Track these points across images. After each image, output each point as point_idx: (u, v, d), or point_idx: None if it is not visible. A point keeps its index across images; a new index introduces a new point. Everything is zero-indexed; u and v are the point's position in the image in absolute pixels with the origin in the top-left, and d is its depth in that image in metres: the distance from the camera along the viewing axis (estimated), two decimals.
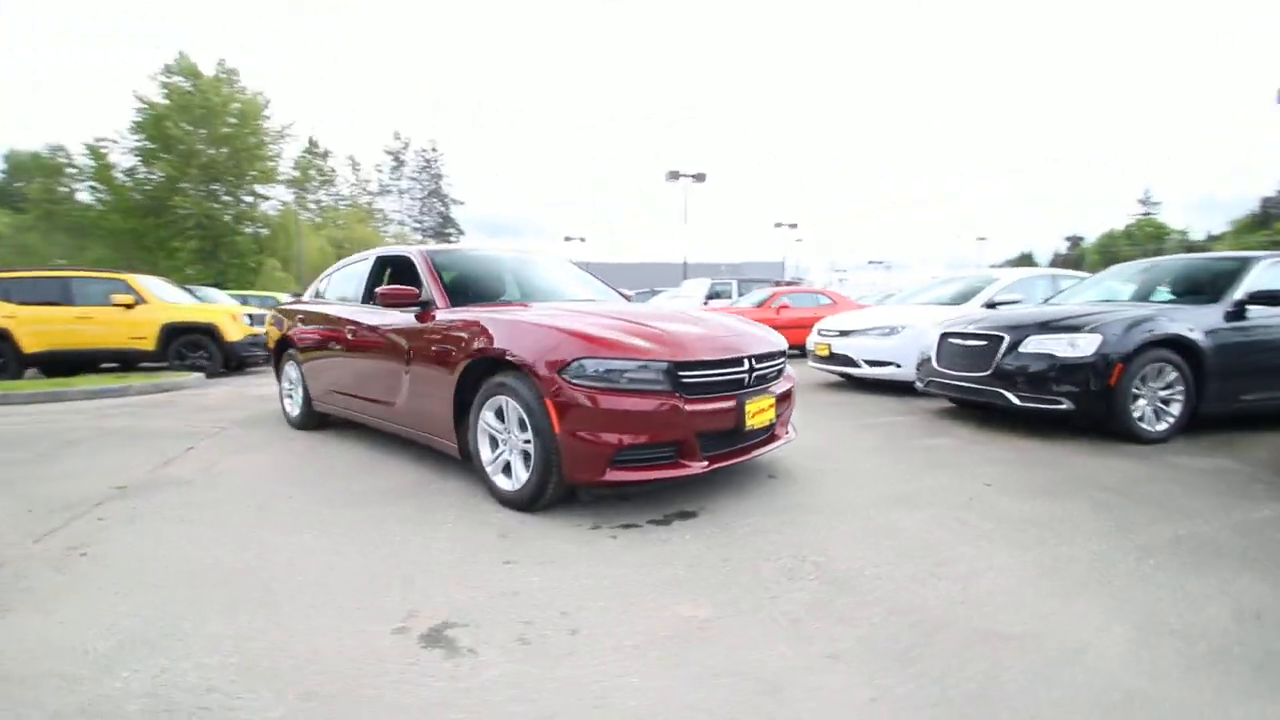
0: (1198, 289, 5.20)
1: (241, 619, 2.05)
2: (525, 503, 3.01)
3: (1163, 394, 4.48)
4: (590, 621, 2.02)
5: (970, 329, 5.14)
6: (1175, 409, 4.49)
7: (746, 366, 3.15)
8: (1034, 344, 4.65)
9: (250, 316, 9.70)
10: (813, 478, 3.62)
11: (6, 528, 2.94)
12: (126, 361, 9.13)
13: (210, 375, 9.03)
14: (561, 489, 2.95)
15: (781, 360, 3.54)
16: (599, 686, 1.68)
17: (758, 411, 3.12)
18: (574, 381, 2.79)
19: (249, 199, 31.36)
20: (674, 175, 24.30)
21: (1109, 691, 1.65)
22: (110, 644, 1.91)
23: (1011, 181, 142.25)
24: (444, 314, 3.56)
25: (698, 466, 2.89)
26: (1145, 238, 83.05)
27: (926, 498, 3.25)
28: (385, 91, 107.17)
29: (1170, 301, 5.31)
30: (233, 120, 29.21)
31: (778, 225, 36.72)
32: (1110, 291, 5.88)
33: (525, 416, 2.94)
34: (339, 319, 4.47)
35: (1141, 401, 4.42)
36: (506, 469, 3.14)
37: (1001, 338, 4.82)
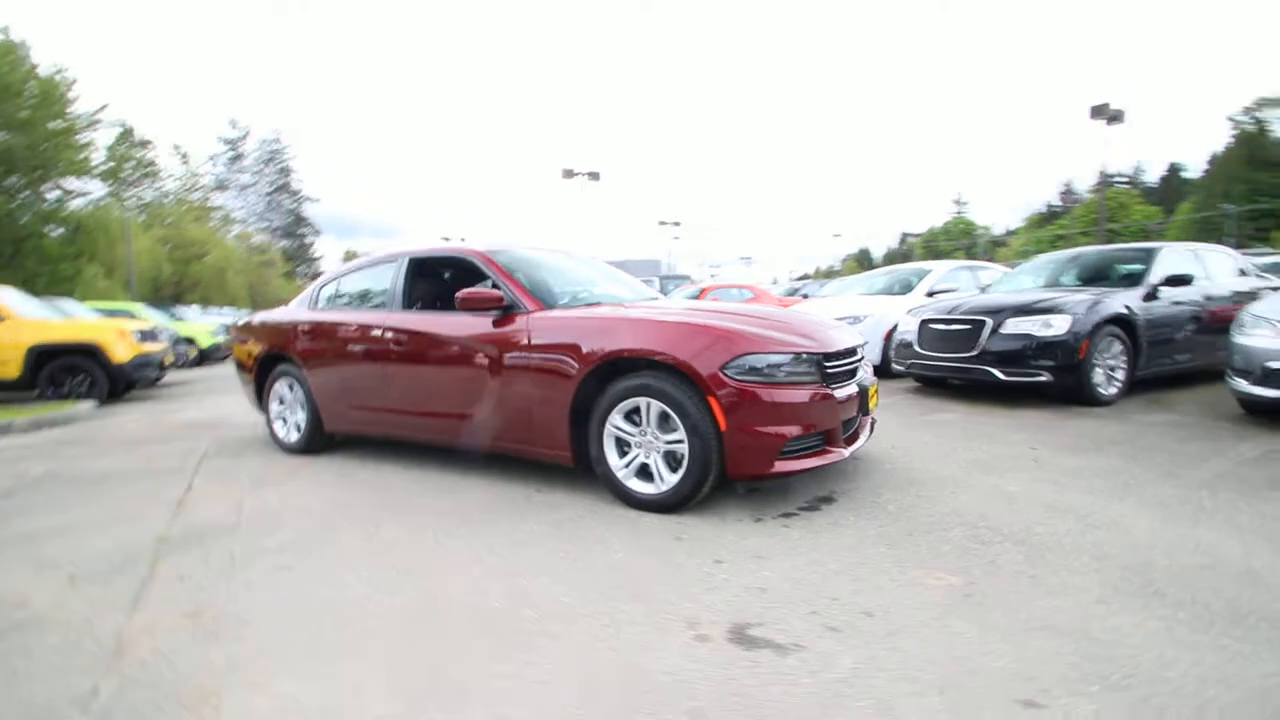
0: (1116, 276, 6.24)
1: (519, 655, 1.88)
2: (671, 505, 2.98)
3: (1111, 363, 5.35)
4: (869, 603, 2.10)
5: (952, 315, 5.76)
6: (1120, 375, 5.38)
7: (859, 355, 3.36)
8: (1013, 326, 5.34)
9: (141, 333, 8.31)
10: (885, 455, 3.92)
11: (68, 603, 2.39)
12: None
13: (102, 403, 7.64)
14: (714, 487, 2.96)
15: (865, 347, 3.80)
16: (944, 655, 1.78)
17: (873, 395, 3.34)
18: (739, 378, 2.82)
19: (54, 194, 26.46)
20: (569, 173, 24.12)
21: None
22: (402, 706, 1.67)
23: (857, 181, 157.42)
24: (542, 317, 3.39)
25: (843, 452, 3.05)
26: (959, 234, 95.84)
27: (1000, 464, 3.65)
28: (222, 75, 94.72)
29: (1083, 286, 6.32)
30: (29, 101, 24.45)
31: (661, 223, 37.84)
32: (1040, 277, 6.85)
33: (676, 416, 2.91)
34: (372, 327, 4.04)
35: (1098, 370, 5.25)
36: (640, 472, 3.09)
37: (984, 322, 5.47)
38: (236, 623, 2.15)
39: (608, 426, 3.13)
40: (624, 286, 4.41)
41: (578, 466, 3.31)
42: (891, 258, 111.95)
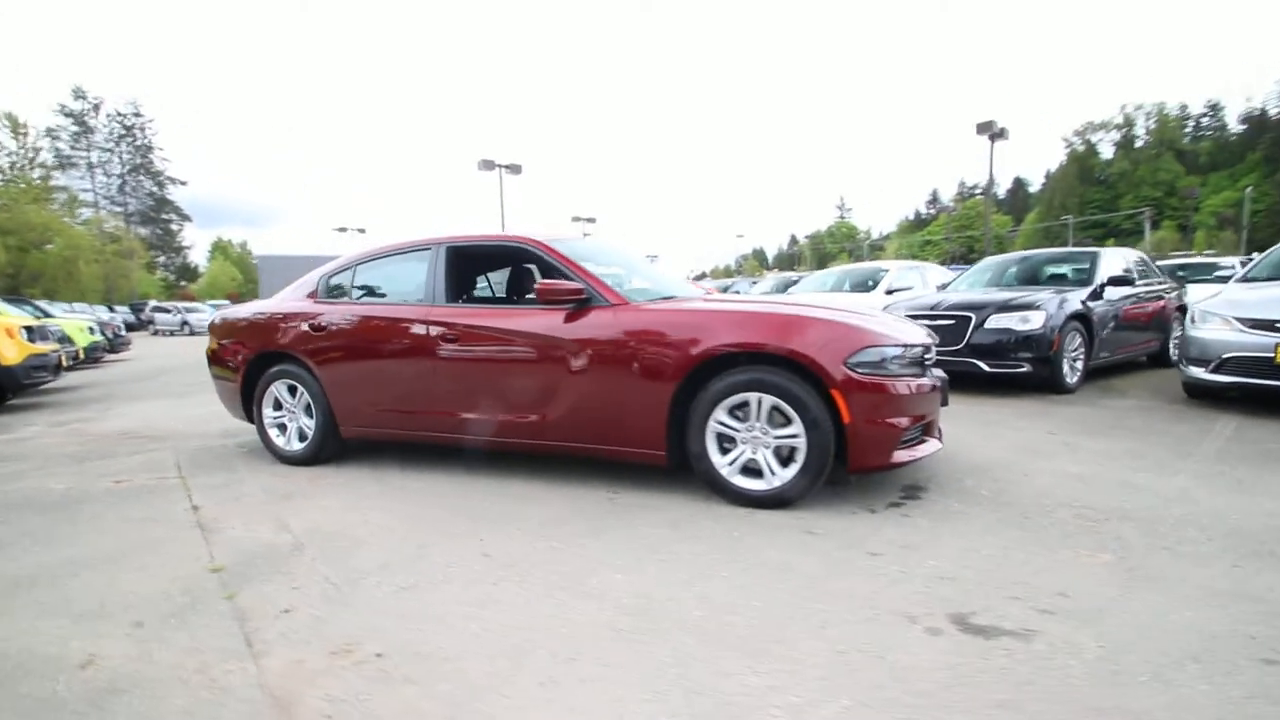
0: (1060, 277, 6.94)
1: (770, 668, 1.78)
2: (781, 500, 2.95)
3: (1074, 355, 5.94)
4: (1052, 584, 2.18)
5: (937, 312, 6.15)
6: (1079, 365, 5.99)
7: (934, 351, 3.49)
8: (996, 321, 5.79)
9: (29, 330, 7.04)
10: None
11: (156, 655, 1.97)
12: None
13: None
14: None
15: None
16: (1161, 627, 1.88)
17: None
18: (861, 371, 2.84)
19: None
20: (488, 164, 23.10)
21: None
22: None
23: (752, 183, 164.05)
24: (635, 311, 3.22)
25: (939, 443, 3.15)
26: (843, 237, 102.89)
27: (1039, 449, 3.94)
28: (70, 38, 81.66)
29: (1031, 285, 6.99)
30: None
31: (575, 219, 37.26)
32: (989, 278, 7.48)
33: (793, 410, 2.88)
34: (411, 322, 3.66)
35: (1066, 361, 5.82)
36: (745, 469, 3.03)
37: (969, 317, 5.89)
38: (413, 656, 1.87)
39: (710, 423, 3.04)
40: (669, 279, 4.30)
41: (670, 466, 3.19)
42: (781, 259, 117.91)
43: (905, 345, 2.98)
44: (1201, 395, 5.32)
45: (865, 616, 2.02)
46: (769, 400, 2.93)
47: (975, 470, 3.51)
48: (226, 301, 40.70)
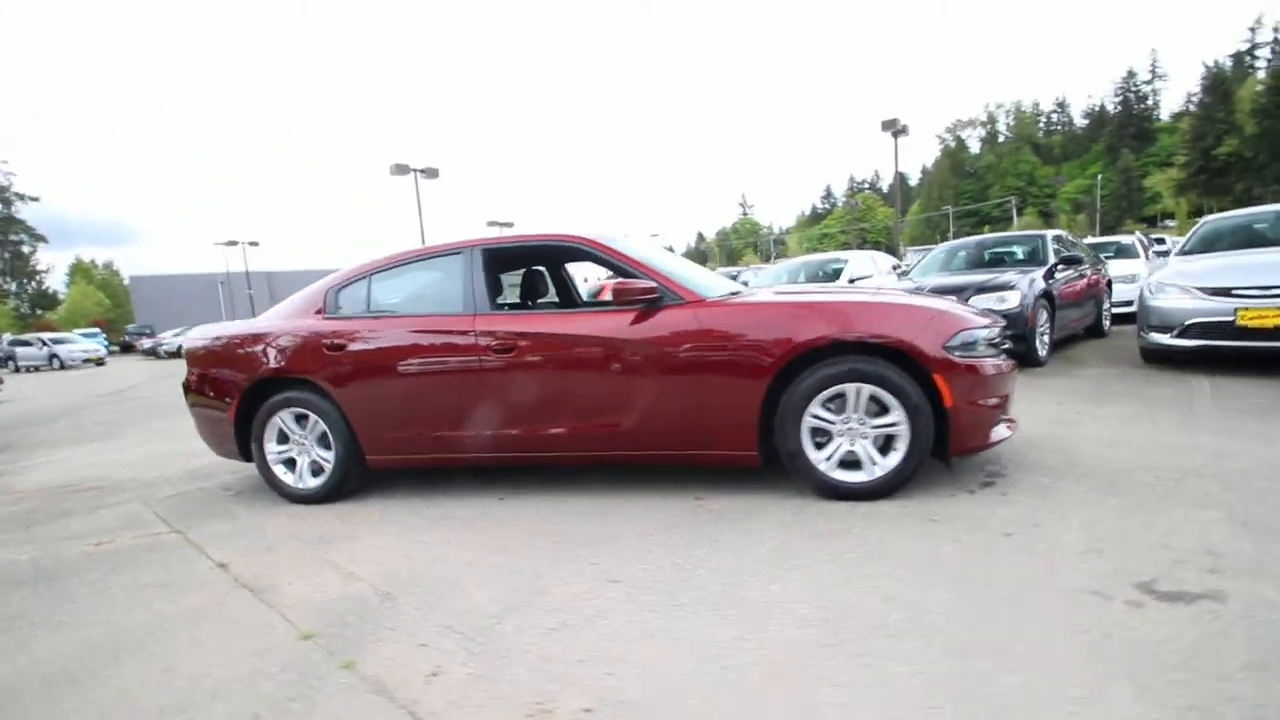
0: (1018, 258, 7.43)
1: (993, 663, 1.71)
2: (883, 491, 2.92)
3: (1042, 330, 6.37)
4: (1195, 544, 2.26)
5: (923, 295, 6.39)
6: (1047, 339, 6.43)
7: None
8: (976, 302, 6.08)
9: None
10: None
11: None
12: None
13: None
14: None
15: None
16: None
17: None
18: (960, 355, 2.85)
19: None
20: (402, 169, 21.77)
21: None
22: None
23: (660, 181, 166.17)
24: (716, 308, 3.08)
25: (1018, 422, 3.23)
26: (747, 233, 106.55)
27: (1064, 419, 4.16)
28: None
29: (993, 267, 7.45)
30: None
31: (491, 224, 36.01)
32: (949, 262, 7.90)
33: (893, 398, 2.85)
34: (454, 333, 3.32)
35: (1037, 337, 6.22)
36: (843, 462, 2.97)
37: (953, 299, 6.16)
38: (624, 706, 1.65)
39: (805, 418, 2.96)
40: (710, 275, 4.15)
41: (760, 465, 3.08)
42: (692, 256, 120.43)
43: (988, 327, 3.03)
44: (1157, 359, 5.85)
45: (1057, 597, 2.00)
46: (867, 390, 2.88)
47: (1027, 445, 3.64)
48: (97, 330, 36.33)
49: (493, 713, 1.68)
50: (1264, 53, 63.38)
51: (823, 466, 2.97)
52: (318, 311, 3.65)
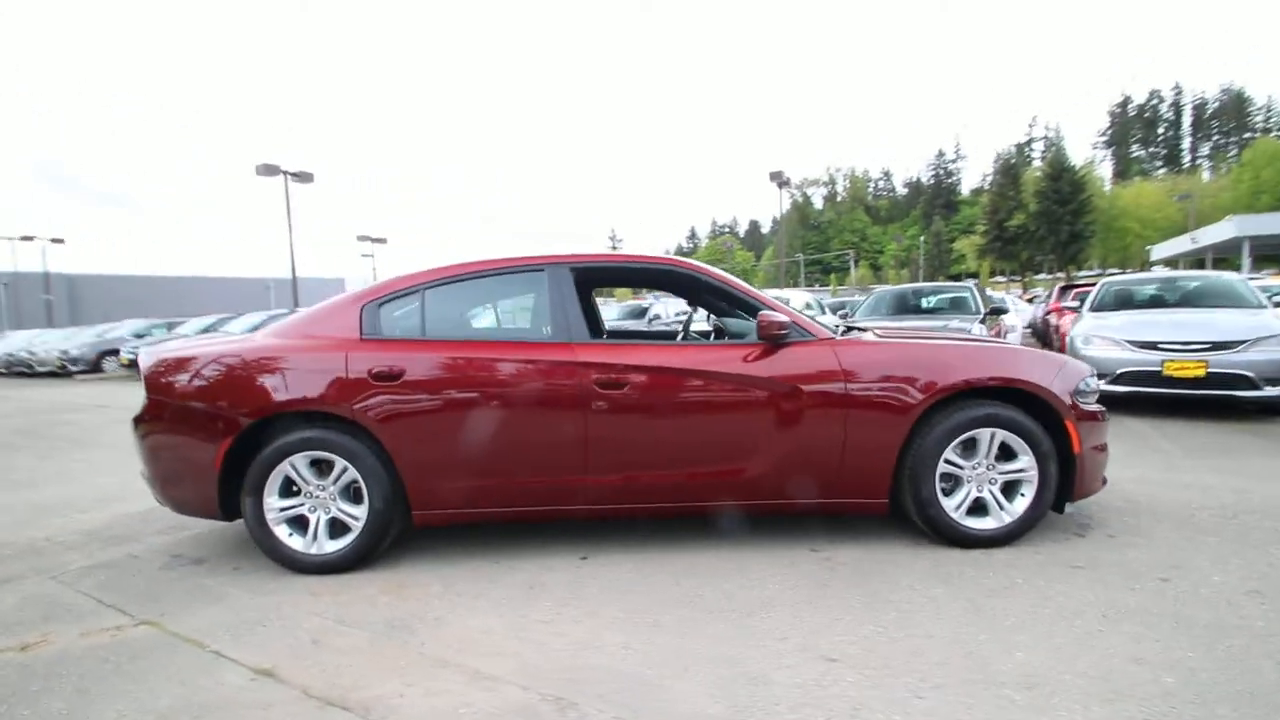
0: (947, 307, 8.14)
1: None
2: (1009, 538, 2.89)
3: None
4: None
5: None
6: None
7: None
8: None
9: None
10: None
11: None
12: None
13: None
14: None
15: None
16: None
17: None
18: (1084, 401, 2.91)
19: None
20: (270, 170, 18.99)
21: None
22: None
23: (536, 215, 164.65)
24: (857, 346, 2.90)
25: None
26: None
27: None
28: None
29: (927, 314, 8.11)
30: None
31: (361, 238, 33.06)
32: (886, 307, 8.47)
33: (1025, 443, 2.83)
34: (554, 365, 2.80)
35: None
36: (975, 509, 2.90)
37: None
38: None
39: (940, 463, 2.85)
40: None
41: (889, 514, 2.92)
42: None
43: (1092, 374, 3.14)
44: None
45: (1262, 644, 2.01)
46: (1001, 435, 2.85)
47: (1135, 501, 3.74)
48: None
49: None
50: (1039, 145, 78.02)
51: (955, 514, 2.87)
52: (354, 329, 2.92)
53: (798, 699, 1.86)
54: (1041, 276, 59.45)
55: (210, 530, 3.53)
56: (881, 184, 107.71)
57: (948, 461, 2.86)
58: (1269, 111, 76.24)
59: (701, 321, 4.22)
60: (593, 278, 3.29)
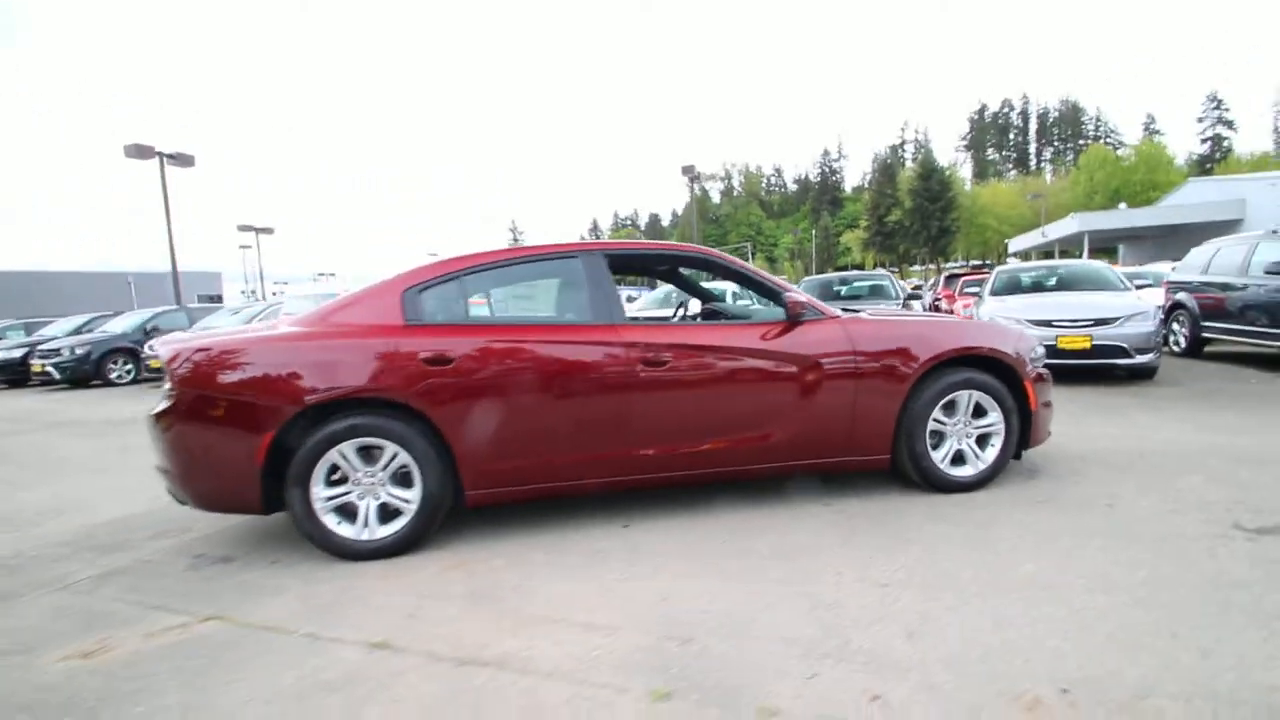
0: (867, 294, 8.95)
1: None
2: (981, 484, 3.43)
3: None
4: (1233, 501, 3.14)
5: None
6: None
7: None
8: None
9: None
10: None
11: None
12: None
13: None
14: None
15: None
16: None
17: None
18: (1034, 364, 3.50)
19: None
20: (142, 151, 16.89)
21: None
22: None
23: (437, 204, 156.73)
24: (863, 323, 3.29)
25: None
26: None
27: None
28: None
29: (852, 300, 8.90)
30: None
31: (243, 228, 30.21)
32: (815, 291, 9.16)
33: (994, 402, 3.37)
34: (602, 345, 2.98)
35: None
36: (955, 460, 3.41)
37: None
38: (1110, 679, 1.77)
39: (929, 421, 3.33)
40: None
41: (890, 468, 3.37)
42: None
43: (1040, 344, 3.75)
44: None
45: (1193, 545, 2.62)
46: (975, 396, 3.37)
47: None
48: None
49: (977, 702, 1.67)
50: (910, 148, 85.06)
51: (942, 465, 3.37)
52: (397, 314, 2.95)
53: (873, 615, 2.21)
54: (915, 268, 65.28)
55: (217, 530, 3.40)
56: (774, 180, 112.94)
57: (935, 420, 3.35)
58: (1099, 121, 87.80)
59: (691, 307, 4.53)
60: (624, 263, 3.48)
